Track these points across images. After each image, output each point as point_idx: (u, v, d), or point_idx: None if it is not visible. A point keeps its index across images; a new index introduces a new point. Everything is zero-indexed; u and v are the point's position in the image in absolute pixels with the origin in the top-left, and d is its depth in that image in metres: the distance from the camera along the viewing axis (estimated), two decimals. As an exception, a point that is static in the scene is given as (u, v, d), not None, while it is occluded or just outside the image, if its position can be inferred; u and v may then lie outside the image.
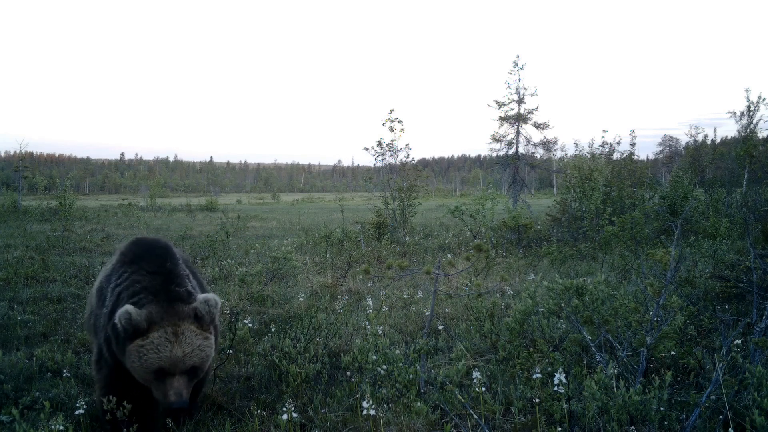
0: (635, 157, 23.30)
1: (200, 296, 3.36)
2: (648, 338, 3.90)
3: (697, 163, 45.43)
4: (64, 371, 4.66)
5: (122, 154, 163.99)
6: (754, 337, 3.94)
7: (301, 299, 7.53)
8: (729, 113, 40.57)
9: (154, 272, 3.45)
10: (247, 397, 4.58)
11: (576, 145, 33.23)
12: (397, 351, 4.45)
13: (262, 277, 8.64)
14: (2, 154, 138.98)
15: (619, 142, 22.57)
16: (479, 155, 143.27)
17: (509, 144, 26.73)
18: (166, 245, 3.77)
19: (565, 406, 3.44)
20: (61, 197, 16.77)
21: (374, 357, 4.37)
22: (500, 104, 26.53)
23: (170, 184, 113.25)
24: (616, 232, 9.89)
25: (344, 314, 6.81)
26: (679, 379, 4.20)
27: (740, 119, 39.58)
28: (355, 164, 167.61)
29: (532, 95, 26.10)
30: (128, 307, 3.09)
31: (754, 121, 38.64)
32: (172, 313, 3.22)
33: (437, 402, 4.10)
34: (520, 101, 26.19)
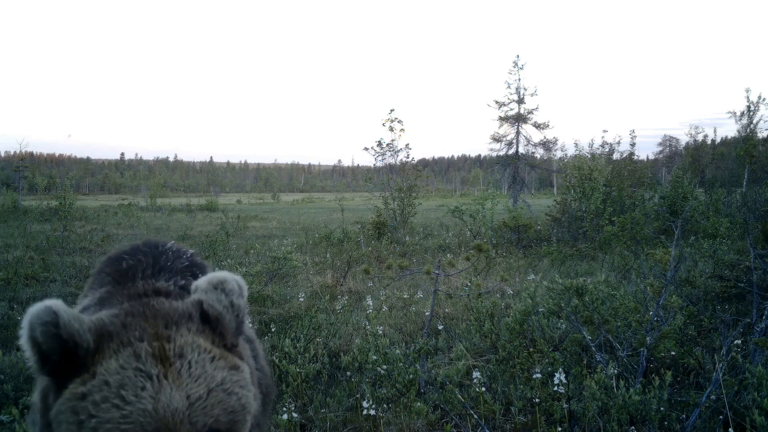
0: (635, 157, 23.34)
1: (202, 279, 1.37)
2: (648, 338, 3.90)
3: (697, 163, 45.49)
4: (64, 371, 4.66)
5: (122, 154, 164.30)
6: (754, 337, 3.94)
7: (301, 299, 7.53)
8: (729, 113, 40.65)
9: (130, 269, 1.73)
10: (247, 397, 4.57)
11: (576, 145, 33.22)
12: (397, 351, 4.45)
13: (262, 277, 8.64)
14: (2, 154, 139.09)
15: (619, 142, 22.60)
16: (479, 155, 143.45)
17: (509, 144, 26.75)
18: (157, 243, 1.97)
19: (565, 406, 3.45)
20: (61, 197, 16.76)
21: (374, 357, 4.38)
22: (500, 104, 26.55)
23: (170, 184, 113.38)
24: (616, 232, 9.89)
25: (344, 314, 6.81)
26: (679, 379, 4.20)
27: (740, 119, 39.65)
28: (355, 164, 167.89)
29: (532, 95, 26.14)
30: (48, 301, 1.22)
31: (754, 121, 38.70)
32: (149, 315, 1.29)
33: (437, 402, 4.10)
34: (520, 101, 26.21)
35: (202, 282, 1.29)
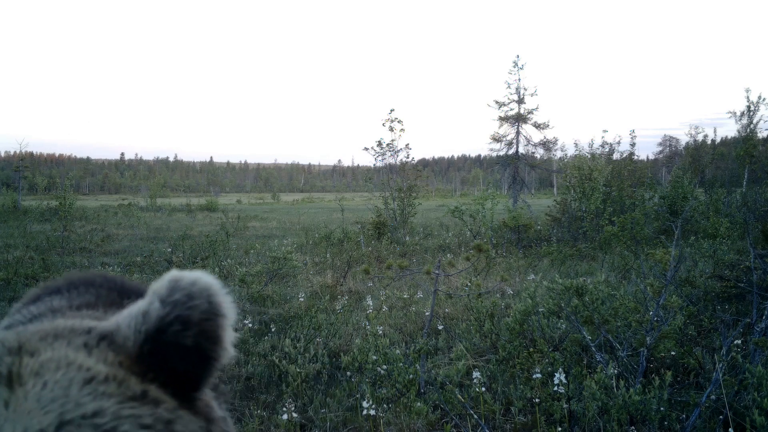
0: (635, 157, 23.29)
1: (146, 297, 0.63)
2: (648, 338, 3.90)
3: (697, 163, 45.46)
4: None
5: (122, 154, 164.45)
6: (754, 337, 3.94)
7: (301, 299, 7.53)
8: (729, 113, 40.62)
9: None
10: (247, 397, 4.58)
11: (576, 145, 33.21)
12: (397, 351, 4.45)
13: (262, 277, 8.64)
14: (2, 154, 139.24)
15: (619, 142, 22.55)
16: (479, 155, 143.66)
17: (509, 144, 26.74)
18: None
19: (565, 406, 3.45)
20: (61, 197, 16.76)
21: (374, 357, 4.38)
22: (500, 104, 26.54)
23: (170, 184, 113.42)
24: (616, 232, 9.89)
25: (344, 314, 6.81)
26: (679, 379, 4.20)
27: (740, 119, 39.62)
28: (355, 164, 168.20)
29: (532, 95, 26.13)
30: None
31: (754, 121, 38.67)
32: (28, 336, 0.62)
33: (437, 402, 4.11)
34: (520, 101, 26.20)
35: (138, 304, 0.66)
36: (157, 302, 0.60)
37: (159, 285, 0.62)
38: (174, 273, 0.63)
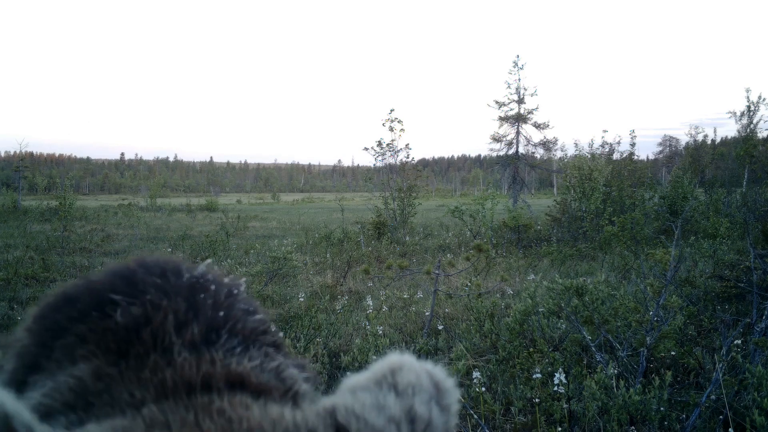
0: (635, 157, 23.30)
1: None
2: (648, 338, 3.90)
3: (697, 163, 45.51)
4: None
5: (122, 154, 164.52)
6: (754, 337, 3.94)
7: (301, 299, 7.53)
8: (729, 113, 40.66)
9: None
10: (247, 397, 4.57)
11: (576, 145, 33.18)
12: (397, 351, 4.45)
13: (262, 277, 8.64)
14: (2, 154, 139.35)
15: (619, 142, 22.57)
16: (479, 155, 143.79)
17: (509, 144, 26.74)
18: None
19: (565, 406, 3.45)
20: (61, 197, 16.75)
21: (374, 357, 4.38)
22: (500, 104, 26.55)
23: (170, 184, 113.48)
24: (616, 232, 9.89)
25: (344, 314, 6.81)
26: (679, 379, 4.20)
27: (740, 119, 39.67)
28: (355, 164, 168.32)
29: (532, 95, 26.14)
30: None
31: (754, 121, 38.72)
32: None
33: (437, 402, 4.10)
34: (520, 101, 26.20)
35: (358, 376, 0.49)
36: (435, 406, 0.43)
37: (419, 378, 0.44)
38: (420, 364, 0.46)
